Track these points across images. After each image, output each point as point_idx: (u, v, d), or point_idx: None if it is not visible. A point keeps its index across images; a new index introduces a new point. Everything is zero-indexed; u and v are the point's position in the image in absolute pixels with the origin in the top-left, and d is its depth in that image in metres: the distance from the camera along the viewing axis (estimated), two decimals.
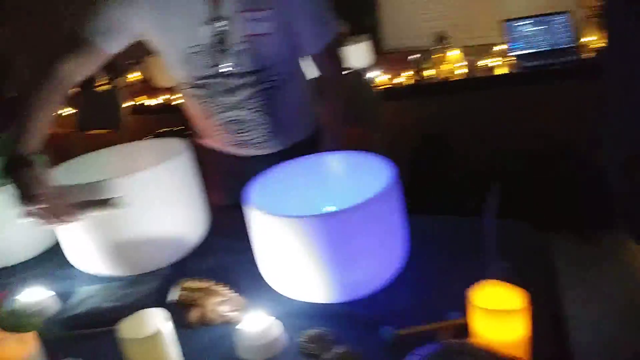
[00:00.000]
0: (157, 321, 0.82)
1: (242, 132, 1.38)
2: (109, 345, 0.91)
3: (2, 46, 1.86)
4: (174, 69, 1.34)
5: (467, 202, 1.66)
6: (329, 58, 1.39)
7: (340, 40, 1.43)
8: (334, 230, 0.89)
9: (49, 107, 1.19)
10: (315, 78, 1.46)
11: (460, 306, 0.84)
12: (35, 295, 1.06)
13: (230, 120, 1.36)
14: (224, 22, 1.24)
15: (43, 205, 1.04)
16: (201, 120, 1.43)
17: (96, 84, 3.88)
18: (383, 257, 0.95)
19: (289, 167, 1.10)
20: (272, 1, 1.25)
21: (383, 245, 0.94)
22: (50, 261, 1.27)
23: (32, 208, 1.05)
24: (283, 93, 1.37)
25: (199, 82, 1.32)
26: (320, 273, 0.91)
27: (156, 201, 1.11)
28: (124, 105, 3.43)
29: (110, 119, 3.41)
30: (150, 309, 0.84)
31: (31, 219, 1.06)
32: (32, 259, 1.29)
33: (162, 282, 1.10)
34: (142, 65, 3.90)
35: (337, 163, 1.13)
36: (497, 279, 0.79)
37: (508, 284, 0.78)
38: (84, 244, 1.11)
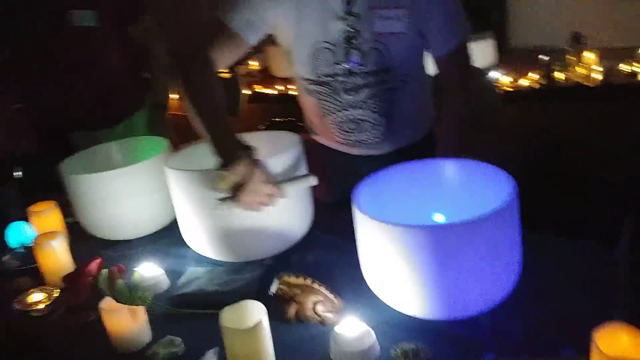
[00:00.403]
0: (257, 314, 0.83)
1: (357, 132, 1.37)
2: (207, 327, 0.95)
3: (143, 34, 2.00)
4: (299, 64, 1.33)
5: (590, 224, 1.51)
6: (456, 61, 1.32)
7: (467, 44, 1.34)
8: (443, 244, 0.84)
9: (216, 93, 1.18)
10: (436, 77, 1.41)
11: (576, 343, 0.76)
12: (148, 271, 1.13)
13: (347, 119, 1.35)
14: (355, 19, 1.24)
15: (254, 195, 1.03)
16: (315, 117, 1.43)
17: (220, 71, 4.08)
18: (492, 278, 0.88)
19: (400, 169, 1.06)
20: (405, 1, 1.23)
21: (493, 265, 0.88)
22: (166, 239, 1.35)
23: (243, 196, 1.03)
24: (403, 94, 1.33)
25: (322, 78, 1.31)
26: (423, 286, 0.87)
27: None
28: (244, 92, 3.58)
29: (230, 106, 3.57)
30: (251, 300, 0.85)
31: (231, 206, 1.05)
32: (150, 234, 1.38)
33: (264, 272, 1.13)
34: (261, 54, 4.03)
35: (452, 170, 1.08)
36: (625, 321, 0.70)
37: (637, 329, 0.69)
38: (197, 227, 1.16)
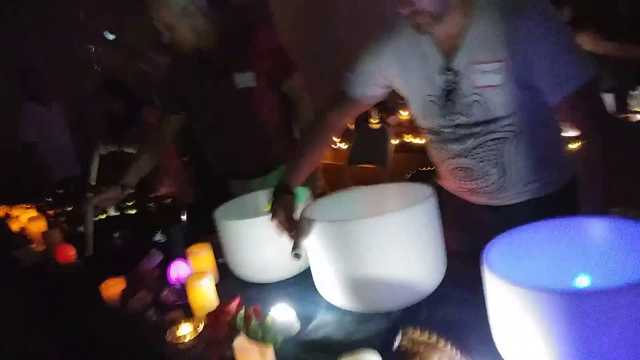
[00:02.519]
0: None
1: (469, 180, 1.35)
2: None
3: (290, 91, 2.18)
4: (415, 114, 1.40)
5: None
6: (577, 106, 1.19)
7: (593, 87, 1.19)
8: (587, 312, 0.75)
9: (318, 149, 1.46)
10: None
11: None
12: (281, 314, 1.18)
13: (457, 167, 1.35)
14: (454, 74, 1.25)
15: (280, 226, 1.28)
16: (436, 163, 1.46)
17: (370, 121, 4.22)
18: None
19: (537, 227, 0.98)
20: (504, 53, 1.18)
21: None
22: (302, 284, 1.40)
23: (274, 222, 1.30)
24: (516, 145, 1.28)
25: (433, 128, 1.35)
26: (561, 358, 0.78)
27: (398, 245, 1.12)
28: (392, 142, 3.64)
29: (378, 155, 3.65)
30: (368, 349, 0.85)
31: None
32: (288, 279, 1.45)
33: (391, 325, 1.11)
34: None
35: (597, 229, 0.96)
36: None
37: None
38: (328, 275, 1.19)
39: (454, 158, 1.35)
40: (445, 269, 1.22)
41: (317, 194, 2.18)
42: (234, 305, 1.20)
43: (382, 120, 4.11)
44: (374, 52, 1.35)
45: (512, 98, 1.22)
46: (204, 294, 1.31)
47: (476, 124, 1.27)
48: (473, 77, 1.23)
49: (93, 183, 2.25)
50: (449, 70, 1.25)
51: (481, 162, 1.31)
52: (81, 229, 2.15)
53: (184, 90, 2.07)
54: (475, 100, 1.25)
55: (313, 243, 1.21)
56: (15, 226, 2.78)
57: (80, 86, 4.86)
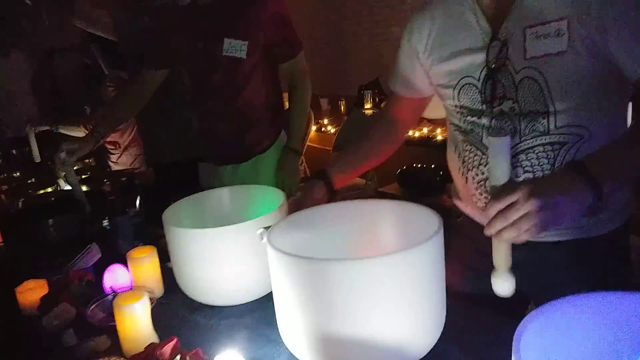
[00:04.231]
0: None
1: None
2: None
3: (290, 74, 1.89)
4: (445, 104, 1.14)
5: None
6: None
7: None
8: None
9: (374, 147, 1.33)
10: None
11: None
12: None
13: (489, 180, 1.02)
14: (503, 45, 0.97)
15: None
16: (458, 175, 1.15)
17: (365, 107, 3.92)
18: None
19: (582, 301, 0.72)
20: (569, 9, 0.90)
21: None
22: (260, 312, 1.13)
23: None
24: (579, 155, 0.96)
25: (466, 120, 1.06)
26: None
27: (390, 295, 0.84)
28: None
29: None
30: None
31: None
32: (244, 304, 1.17)
33: None
34: None
35: None
36: None
37: None
38: (294, 321, 0.91)
39: (486, 165, 1.04)
40: (444, 324, 0.95)
41: (298, 179, 1.90)
42: (167, 349, 0.92)
43: (376, 106, 3.82)
44: (409, 34, 1.16)
45: (577, 77, 0.93)
46: (136, 323, 1.02)
47: (527, 115, 0.98)
48: (525, 44, 0.95)
49: (37, 160, 2.03)
50: (496, 41, 0.98)
51: (524, 173, 1.00)
52: (66, 186, 2.02)
53: (172, 45, 1.79)
54: (527, 77, 0.96)
55: (278, 277, 0.93)
56: None
57: (57, 35, 4.44)
